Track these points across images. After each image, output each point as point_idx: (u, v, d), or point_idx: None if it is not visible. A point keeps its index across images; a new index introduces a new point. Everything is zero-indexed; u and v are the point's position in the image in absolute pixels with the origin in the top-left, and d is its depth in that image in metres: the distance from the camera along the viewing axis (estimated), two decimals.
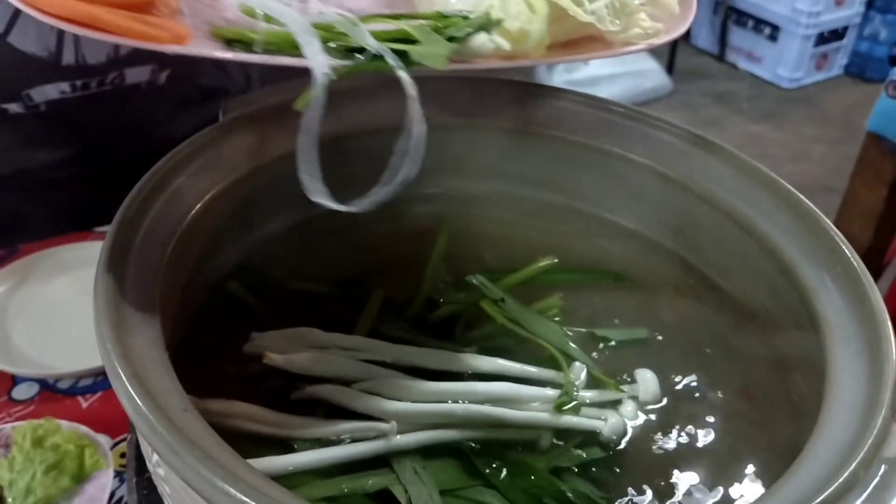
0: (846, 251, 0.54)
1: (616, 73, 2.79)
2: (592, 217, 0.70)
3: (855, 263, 0.53)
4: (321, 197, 0.44)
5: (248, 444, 0.49)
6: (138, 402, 0.40)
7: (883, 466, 0.41)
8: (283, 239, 0.66)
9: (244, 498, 0.36)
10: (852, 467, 0.41)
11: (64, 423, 0.77)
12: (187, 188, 0.55)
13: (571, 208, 0.70)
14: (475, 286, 0.61)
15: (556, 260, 0.66)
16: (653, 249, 0.67)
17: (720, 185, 0.62)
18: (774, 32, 3.22)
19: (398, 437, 0.51)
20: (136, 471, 0.54)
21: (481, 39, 0.48)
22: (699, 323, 0.62)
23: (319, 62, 0.43)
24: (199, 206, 0.56)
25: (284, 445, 0.50)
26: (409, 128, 0.44)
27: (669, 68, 3.17)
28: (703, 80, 3.27)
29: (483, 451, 0.52)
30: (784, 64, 3.25)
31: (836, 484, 0.40)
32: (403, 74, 0.44)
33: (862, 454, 0.41)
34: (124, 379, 0.40)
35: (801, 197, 0.59)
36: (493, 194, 0.71)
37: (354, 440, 0.51)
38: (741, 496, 0.50)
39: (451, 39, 0.47)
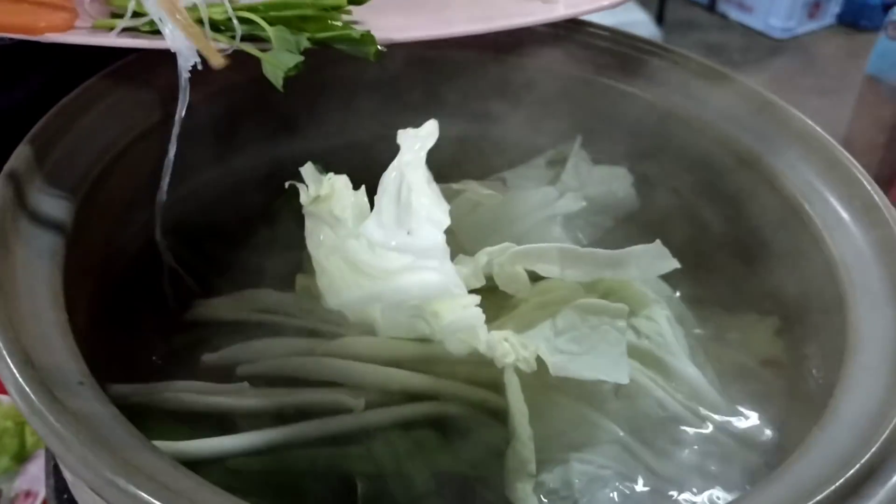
0: (865, 183, 0.47)
1: (604, 24, 2.68)
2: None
3: (876, 197, 0.46)
4: None
5: (187, 426, 0.42)
6: (16, 374, 0.32)
7: None
8: (216, 189, 0.58)
9: (135, 490, 0.28)
10: (885, 435, 0.34)
11: (3, 397, 0.71)
12: (100, 128, 0.47)
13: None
14: None
15: None
16: (657, 190, 0.60)
17: (726, 118, 0.54)
18: None
19: (368, 412, 0.44)
20: (52, 453, 0.47)
21: None
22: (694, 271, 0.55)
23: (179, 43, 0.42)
24: (117, 148, 0.48)
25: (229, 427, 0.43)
26: None
27: (659, 19, 3.07)
28: (694, 31, 3.17)
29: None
30: (776, 13, 3.17)
31: (866, 456, 0.33)
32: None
33: (892, 425, 0.34)
34: (1, 346, 0.33)
35: (815, 127, 0.51)
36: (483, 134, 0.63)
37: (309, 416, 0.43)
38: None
39: None
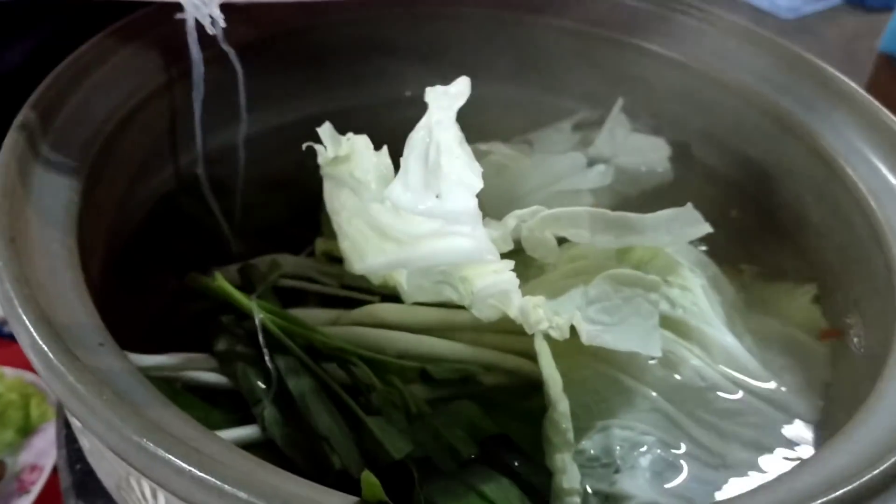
0: None
1: None
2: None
3: None
4: None
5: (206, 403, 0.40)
6: (33, 332, 0.30)
7: None
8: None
9: (164, 454, 0.27)
10: None
11: (7, 370, 0.69)
12: (112, 84, 0.45)
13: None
14: None
15: None
16: (689, 157, 0.58)
17: (759, 78, 0.52)
18: None
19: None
20: (65, 422, 0.45)
21: None
22: (730, 238, 0.53)
23: None
24: (130, 104, 0.46)
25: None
26: None
27: None
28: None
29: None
30: None
31: None
32: None
33: None
34: (17, 304, 0.31)
35: (857, 87, 0.49)
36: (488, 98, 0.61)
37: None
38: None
39: None
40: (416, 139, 0.42)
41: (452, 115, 0.42)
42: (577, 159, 0.55)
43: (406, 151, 0.43)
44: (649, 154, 0.56)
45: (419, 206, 0.40)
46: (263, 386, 0.40)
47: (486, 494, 0.37)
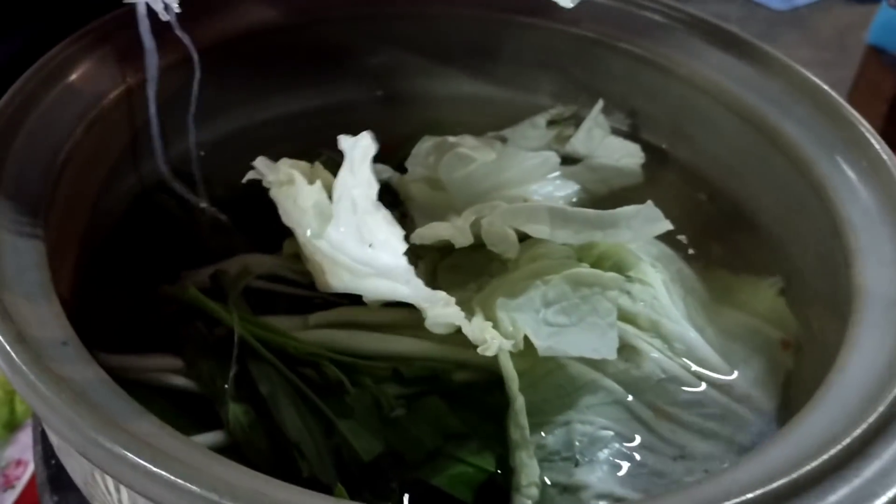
0: (873, 142, 0.46)
1: None
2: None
3: (885, 156, 0.45)
4: None
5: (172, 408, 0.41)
6: None
7: None
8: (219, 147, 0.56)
9: (123, 451, 0.27)
10: (894, 393, 0.33)
11: None
12: (82, 87, 0.46)
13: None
14: None
15: None
16: (650, 152, 0.58)
17: (726, 76, 0.53)
18: None
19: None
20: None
21: None
22: (697, 232, 0.53)
23: None
24: (101, 105, 0.46)
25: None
26: None
27: None
28: (693, 2, 3.11)
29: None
30: None
31: (876, 413, 0.32)
32: None
33: None
34: None
35: (820, 83, 0.50)
36: (463, 95, 0.62)
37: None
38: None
39: None
40: (340, 186, 0.42)
41: (366, 167, 0.41)
42: (550, 158, 0.56)
43: (335, 195, 0.42)
44: (623, 158, 0.57)
45: (356, 254, 0.41)
46: (231, 390, 0.41)
47: (465, 458, 0.39)
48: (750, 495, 0.29)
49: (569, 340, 0.41)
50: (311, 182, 0.43)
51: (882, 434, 0.32)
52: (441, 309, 0.39)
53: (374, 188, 0.40)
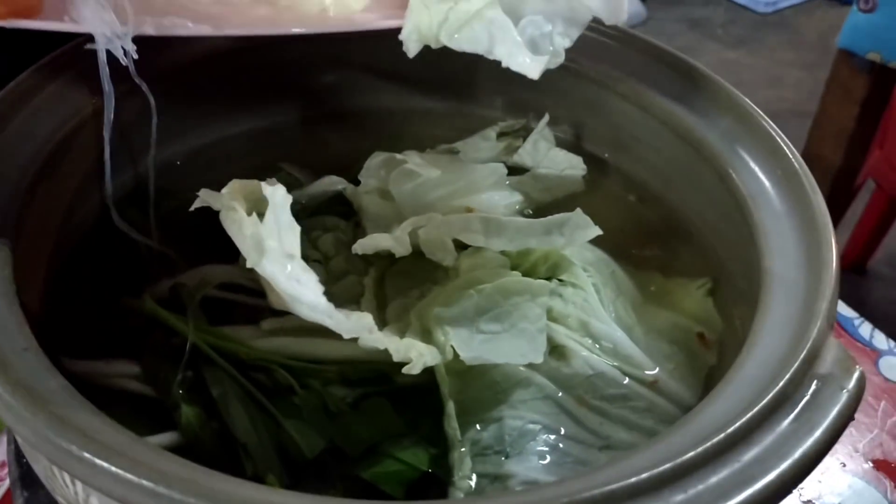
0: (787, 153, 0.49)
1: None
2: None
3: (797, 165, 0.48)
4: None
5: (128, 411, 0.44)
6: None
7: (815, 383, 0.37)
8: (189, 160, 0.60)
9: (69, 445, 0.31)
10: (780, 384, 0.36)
11: None
12: (46, 113, 0.49)
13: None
14: None
15: None
16: (591, 161, 0.62)
17: (658, 90, 0.56)
18: None
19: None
20: None
21: None
22: (635, 237, 0.57)
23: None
24: (65, 130, 0.49)
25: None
26: None
27: None
28: (678, 6, 3.17)
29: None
30: None
31: (761, 403, 0.35)
32: None
33: (792, 370, 0.37)
34: None
35: (741, 97, 0.53)
36: (417, 110, 0.65)
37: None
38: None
39: None
40: (266, 228, 0.43)
41: (286, 214, 0.43)
42: (497, 169, 0.59)
43: (264, 233, 0.43)
44: (567, 170, 0.60)
45: (285, 288, 0.42)
46: (183, 394, 0.44)
47: (390, 452, 0.43)
48: (634, 479, 0.32)
49: (497, 348, 0.44)
50: (250, 211, 0.45)
51: (765, 422, 0.35)
52: (367, 335, 0.42)
53: (296, 231, 0.42)
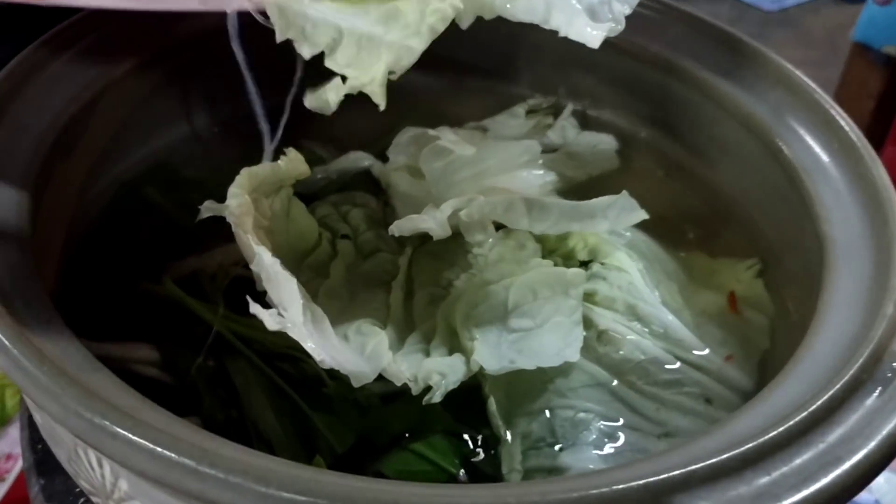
0: (843, 124, 0.47)
1: None
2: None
3: (854, 137, 0.46)
4: None
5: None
6: None
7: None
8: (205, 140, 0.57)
9: (102, 421, 0.28)
10: (860, 362, 0.34)
11: None
12: (71, 73, 0.46)
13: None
14: None
15: None
16: (628, 140, 0.59)
17: (700, 62, 0.54)
18: None
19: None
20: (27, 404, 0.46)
21: None
22: (677, 218, 0.54)
23: None
24: (89, 95, 0.47)
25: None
26: None
27: None
28: (684, 3, 3.14)
29: None
30: None
31: (842, 381, 0.33)
32: None
33: (871, 348, 0.34)
34: None
35: (791, 69, 0.51)
36: (444, 87, 0.62)
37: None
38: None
39: None
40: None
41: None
42: (531, 147, 0.57)
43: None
44: (598, 144, 0.58)
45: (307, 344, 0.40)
46: (207, 384, 0.42)
47: (419, 451, 0.40)
48: (715, 460, 0.29)
49: (529, 349, 0.41)
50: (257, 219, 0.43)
51: (846, 402, 0.32)
52: (385, 372, 0.39)
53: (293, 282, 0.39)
